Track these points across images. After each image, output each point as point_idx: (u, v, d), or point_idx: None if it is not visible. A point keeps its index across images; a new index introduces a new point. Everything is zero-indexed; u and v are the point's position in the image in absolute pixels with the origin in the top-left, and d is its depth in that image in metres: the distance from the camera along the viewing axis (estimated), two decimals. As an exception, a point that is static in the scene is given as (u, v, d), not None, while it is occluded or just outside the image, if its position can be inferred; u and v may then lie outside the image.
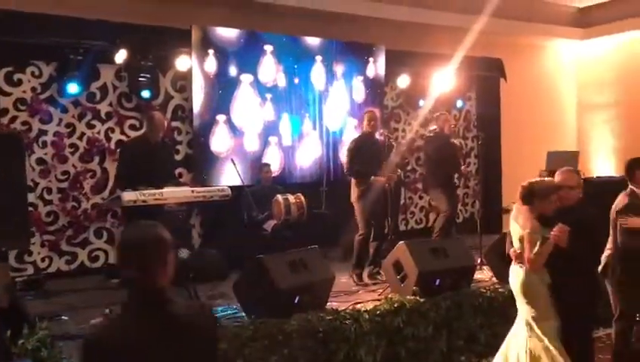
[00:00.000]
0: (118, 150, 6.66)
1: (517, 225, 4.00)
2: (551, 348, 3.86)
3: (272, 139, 7.78)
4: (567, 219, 3.88)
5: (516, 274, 4.04)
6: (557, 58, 11.23)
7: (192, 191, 5.41)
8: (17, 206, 3.82)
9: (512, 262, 4.10)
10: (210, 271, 6.43)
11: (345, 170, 6.59)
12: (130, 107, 7.10)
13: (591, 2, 10.14)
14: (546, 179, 4.34)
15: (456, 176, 8.05)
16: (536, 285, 3.93)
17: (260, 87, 7.69)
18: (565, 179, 4.22)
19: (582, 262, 3.96)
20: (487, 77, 9.96)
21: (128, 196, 4.89)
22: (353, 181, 6.42)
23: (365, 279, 6.36)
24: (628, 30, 10.09)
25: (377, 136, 6.72)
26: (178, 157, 7.36)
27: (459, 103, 9.71)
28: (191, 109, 7.30)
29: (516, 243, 4.03)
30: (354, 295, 5.70)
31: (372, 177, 6.25)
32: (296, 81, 7.97)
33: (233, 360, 4.11)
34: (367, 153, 6.33)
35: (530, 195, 3.99)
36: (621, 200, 4.60)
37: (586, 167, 10.01)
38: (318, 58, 8.10)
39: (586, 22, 10.47)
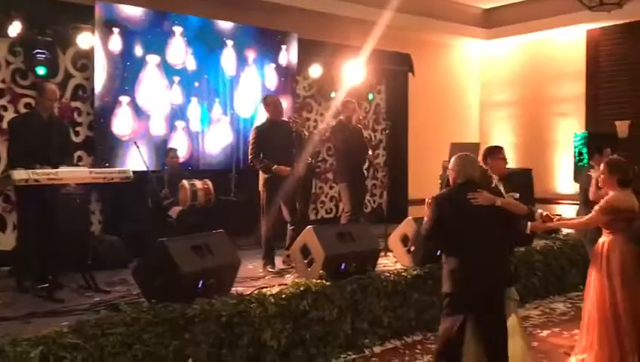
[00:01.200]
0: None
1: None
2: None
3: (179, 124, 7.56)
4: None
5: None
6: (462, 56, 11.68)
7: (91, 172, 5.14)
8: None
9: None
10: (110, 258, 6.16)
11: (250, 156, 6.31)
12: (26, 85, 6.67)
13: (495, 4, 10.61)
14: None
15: (365, 165, 8.09)
16: None
17: (168, 70, 7.45)
18: None
19: None
20: (397, 71, 10.20)
21: (19, 175, 4.57)
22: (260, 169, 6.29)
23: (280, 265, 6.31)
24: (529, 32, 10.66)
25: (287, 119, 6.63)
26: (78, 140, 7.00)
27: (369, 96, 9.88)
28: (92, 89, 6.96)
29: None
30: (260, 280, 5.65)
31: (274, 166, 6.09)
32: (206, 65, 7.79)
33: (131, 346, 3.94)
34: (271, 140, 6.15)
35: None
36: None
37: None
38: (230, 43, 7.96)
39: (490, 23, 10.95)
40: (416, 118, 10.46)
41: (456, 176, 3.99)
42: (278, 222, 6.39)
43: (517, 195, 4.62)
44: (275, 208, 6.23)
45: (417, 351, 5.20)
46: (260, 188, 6.30)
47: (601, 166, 4.51)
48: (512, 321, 4.05)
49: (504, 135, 11.11)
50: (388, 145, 10.31)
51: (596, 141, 8.26)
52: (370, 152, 7.62)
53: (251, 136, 6.34)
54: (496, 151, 5.12)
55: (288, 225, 6.35)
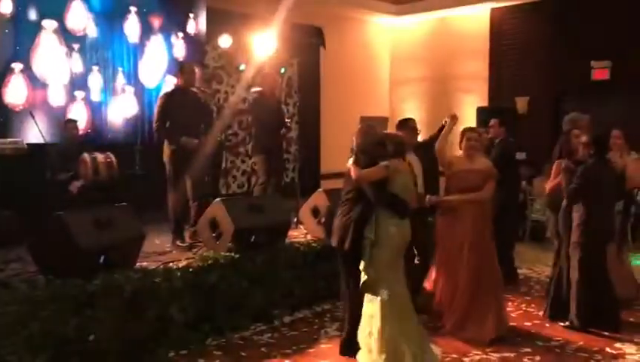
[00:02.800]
0: None
1: None
2: None
3: (79, 94, 7.15)
4: None
5: None
6: (374, 32, 11.81)
7: (-21, 143, 4.77)
8: None
9: None
10: (4, 234, 5.77)
11: (155, 126, 6.04)
12: None
13: (405, -20, 10.79)
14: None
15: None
16: None
17: (67, 36, 7.01)
18: None
19: None
20: (309, 44, 10.17)
21: None
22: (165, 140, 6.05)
23: (188, 239, 6.13)
24: (436, 10, 10.93)
25: (196, 90, 6.41)
26: (-35, 109, 6.47)
27: (282, 70, 9.77)
28: (-20, 55, 6.44)
29: None
30: (167, 254, 5.50)
31: (183, 138, 5.86)
32: (109, 32, 7.40)
33: (26, 324, 3.73)
34: (179, 110, 5.91)
35: None
36: None
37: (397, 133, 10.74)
38: (133, 9, 7.59)
39: (400, -1, 11.13)
40: (329, 92, 10.51)
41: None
42: (186, 196, 6.21)
43: None
44: (183, 181, 6.03)
45: (326, 319, 5.28)
46: (165, 160, 6.07)
47: None
48: None
49: (413, 110, 11.39)
50: (300, 119, 10.31)
51: (497, 116, 8.64)
52: (287, 125, 7.52)
53: (158, 103, 6.05)
54: (404, 122, 5.34)
55: (190, 201, 6.13)
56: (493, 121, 6.54)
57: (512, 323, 5.06)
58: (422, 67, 11.67)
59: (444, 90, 11.26)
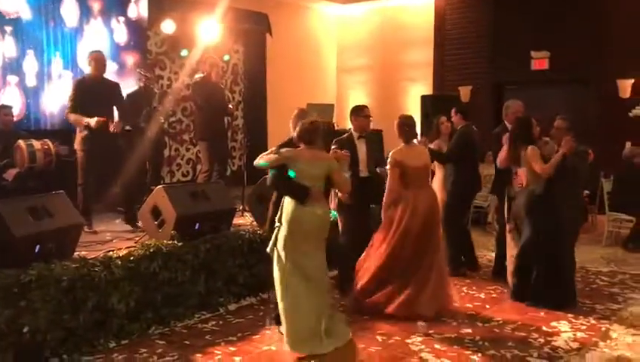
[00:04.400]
0: None
1: None
2: None
3: (12, 79, 6.86)
4: None
5: None
6: (320, 19, 11.80)
7: None
8: None
9: None
10: None
11: (66, 114, 6.09)
12: None
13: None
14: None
15: (226, 121, 7.89)
16: None
17: (-1, 18, 6.71)
18: None
19: None
20: (254, 30, 10.07)
21: None
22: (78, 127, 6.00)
23: (101, 227, 6.10)
24: (381, -1, 11.02)
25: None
26: None
27: (225, 57, 9.63)
28: None
29: None
30: (107, 244, 5.36)
31: (86, 120, 5.81)
32: (45, 14, 7.11)
33: (-47, 318, 3.57)
34: (91, 97, 5.90)
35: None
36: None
37: (343, 122, 10.79)
38: (70, -9, 7.33)
39: (347, -13, 11.15)
40: (275, 79, 10.44)
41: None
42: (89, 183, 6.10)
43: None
44: (89, 168, 5.98)
45: (272, 306, 5.25)
46: (75, 146, 6.04)
47: None
48: None
49: (359, 98, 11.43)
50: (246, 107, 10.21)
51: (441, 104, 8.81)
52: (230, 111, 7.44)
53: (70, 90, 6.04)
54: (359, 110, 5.41)
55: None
56: (453, 110, 6.56)
57: (454, 305, 5.17)
58: (368, 56, 11.74)
59: (390, 79, 11.38)
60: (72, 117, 5.97)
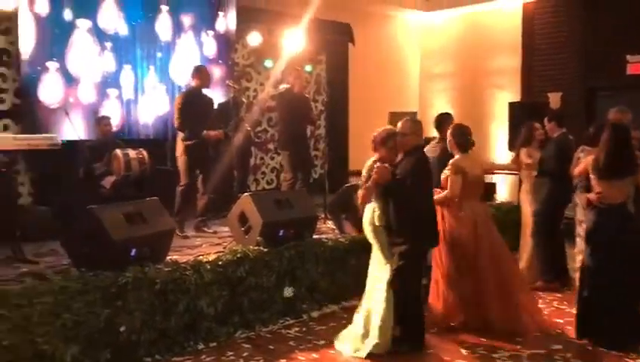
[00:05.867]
0: None
1: None
2: None
3: (112, 92, 7.29)
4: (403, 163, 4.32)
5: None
6: (403, 27, 11.74)
7: (15, 138, 4.90)
8: None
9: None
10: (40, 229, 5.92)
11: (175, 126, 6.48)
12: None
13: (434, -25, 10.70)
14: (387, 127, 4.60)
15: (309, 131, 8.05)
16: None
17: (100, 35, 7.15)
18: (400, 127, 4.47)
19: None
20: (337, 41, 10.15)
21: None
22: (179, 136, 6.37)
23: (189, 231, 6.38)
24: (466, 4, 10.81)
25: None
26: (3, 107, 6.66)
27: (308, 67, 9.76)
28: (18, 54, 6.60)
29: None
30: (197, 248, 5.57)
31: (204, 132, 6.29)
32: (140, 30, 7.52)
33: (60, 314, 3.82)
34: (195, 109, 6.27)
35: (372, 143, 4.49)
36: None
37: (426, 130, 10.65)
38: (164, 8, 7.70)
39: (430, -6, 11.04)
40: (357, 88, 10.48)
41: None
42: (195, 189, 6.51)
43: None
44: (192, 173, 6.36)
45: (354, 314, 5.26)
46: (178, 154, 6.39)
47: None
48: None
49: (443, 105, 11.26)
50: (328, 116, 10.31)
51: (530, 111, 8.50)
52: (313, 119, 7.64)
53: (178, 102, 6.39)
54: (447, 118, 5.42)
55: (199, 193, 6.49)
56: (546, 118, 6.30)
57: (543, 320, 4.97)
58: (452, 62, 11.55)
59: (475, 86, 11.13)
60: (187, 126, 6.29)
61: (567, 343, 4.54)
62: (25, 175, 6.81)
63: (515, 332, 4.63)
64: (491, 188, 9.21)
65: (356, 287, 5.60)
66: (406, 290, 4.25)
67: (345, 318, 5.17)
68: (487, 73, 11.05)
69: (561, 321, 5.05)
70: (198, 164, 6.34)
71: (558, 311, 5.31)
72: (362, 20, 10.45)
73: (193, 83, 6.46)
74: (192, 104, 6.29)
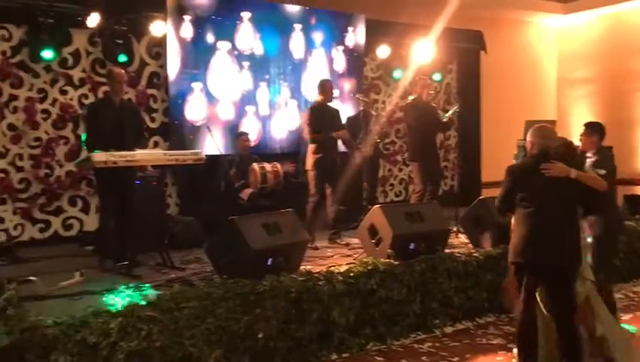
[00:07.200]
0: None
1: None
2: None
3: (250, 109, 7.69)
4: None
5: None
6: (538, 31, 11.22)
7: (165, 154, 5.33)
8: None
9: None
10: (185, 238, 6.38)
11: (306, 137, 6.61)
12: (104, 73, 6.95)
13: (572, -24, 10.13)
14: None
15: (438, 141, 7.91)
16: None
17: (238, 55, 7.59)
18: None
19: None
20: (468, 49, 9.93)
21: (98, 157, 4.80)
22: (310, 148, 6.49)
23: (323, 243, 6.46)
24: (608, 4, 10.10)
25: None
26: (154, 125, 7.27)
27: (437, 76, 9.62)
28: (166, 77, 7.19)
29: None
30: (328, 259, 5.68)
31: (334, 133, 6.40)
32: (275, 49, 7.87)
33: (204, 319, 4.07)
34: (322, 122, 6.41)
35: None
36: None
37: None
38: (297, 26, 8.01)
39: (567, -4, 10.47)
40: (489, 97, 10.16)
41: (531, 147, 3.97)
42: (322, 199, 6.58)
43: (602, 172, 4.46)
44: (322, 186, 6.45)
45: (490, 332, 5.09)
46: (308, 167, 6.52)
47: None
48: (585, 300, 3.91)
49: (583, 112, 10.59)
50: (459, 126, 10.08)
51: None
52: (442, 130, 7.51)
53: (307, 115, 6.56)
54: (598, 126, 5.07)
55: (329, 204, 6.55)
56: None
57: None
58: (593, 66, 10.82)
59: (620, 90, 10.33)
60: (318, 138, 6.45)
61: None
62: (172, 187, 7.38)
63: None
64: (637, 200, 8.53)
65: (492, 303, 5.44)
66: None
67: (479, 335, 5.02)
68: (633, 76, 10.22)
69: None
70: (327, 176, 6.46)
71: None
72: (494, 27, 10.13)
73: (318, 98, 6.61)
74: (319, 118, 6.42)
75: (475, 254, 5.59)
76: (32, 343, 3.54)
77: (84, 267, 5.21)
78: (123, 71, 5.74)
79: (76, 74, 6.85)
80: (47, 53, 6.47)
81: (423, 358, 4.54)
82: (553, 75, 11.42)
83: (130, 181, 5.47)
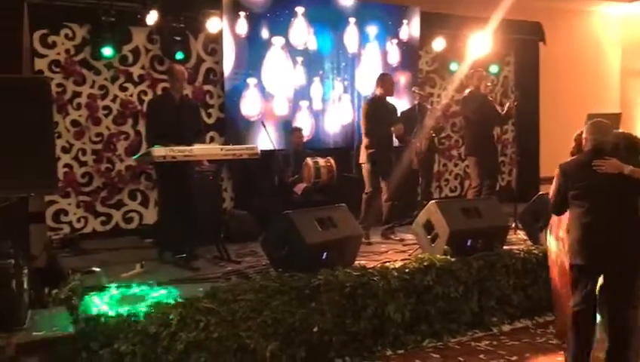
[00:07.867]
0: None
1: None
2: None
3: (303, 104, 7.71)
4: None
5: None
6: (600, 21, 10.79)
7: (222, 149, 5.41)
8: (43, 150, 3.83)
9: None
10: (241, 232, 6.46)
11: (362, 131, 6.54)
12: (163, 70, 7.10)
13: (638, -38, 9.68)
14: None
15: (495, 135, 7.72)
16: None
17: (292, 51, 7.61)
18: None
19: None
20: (526, 41, 9.64)
21: (158, 151, 4.90)
22: (364, 142, 6.44)
23: (377, 238, 6.40)
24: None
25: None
26: (210, 121, 7.38)
27: (494, 69, 9.38)
28: (222, 73, 7.29)
29: None
30: (383, 254, 5.64)
31: (392, 128, 6.31)
32: (329, 44, 7.86)
33: (261, 311, 4.12)
34: (380, 116, 6.35)
35: None
36: None
37: (630, 131, 9.65)
38: (352, 20, 7.96)
39: (632, -16, 10.01)
40: (548, 89, 9.84)
41: (586, 143, 3.85)
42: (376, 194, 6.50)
43: None
44: (377, 180, 6.38)
45: (550, 331, 4.94)
46: (362, 161, 6.47)
47: None
48: None
49: (650, 105, 10.15)
50: (517, 120, 9.79)
51: None
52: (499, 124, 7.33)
53: (365, 109, 6.50)
54: None
55: (384, 200, 6.47)
56: None
57: None
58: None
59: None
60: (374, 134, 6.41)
61: None
62: (227, 181, 7.48)
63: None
64: None
65: (549, 303, 5.27)
66: None
67: (539, 334, 4.89)
68: None
69: None
70: (382, 171, 6.41)
71: None
72: (554, 18, 9.80)
73: (377, 91, 6.56)
74: (377, 112, 6.40)
75: (534, 251, 5.46)
76: (96, 332, 3.66)
77: (144, 259, 5.35)
78: (184, 68, 5.85)
79: (136, 71, 7.02)
80: (108, 51, 6.65)
81: (481, 356, 4.47)
82: (617, 65, 10.97)
83: (188, 175, 5.57)
